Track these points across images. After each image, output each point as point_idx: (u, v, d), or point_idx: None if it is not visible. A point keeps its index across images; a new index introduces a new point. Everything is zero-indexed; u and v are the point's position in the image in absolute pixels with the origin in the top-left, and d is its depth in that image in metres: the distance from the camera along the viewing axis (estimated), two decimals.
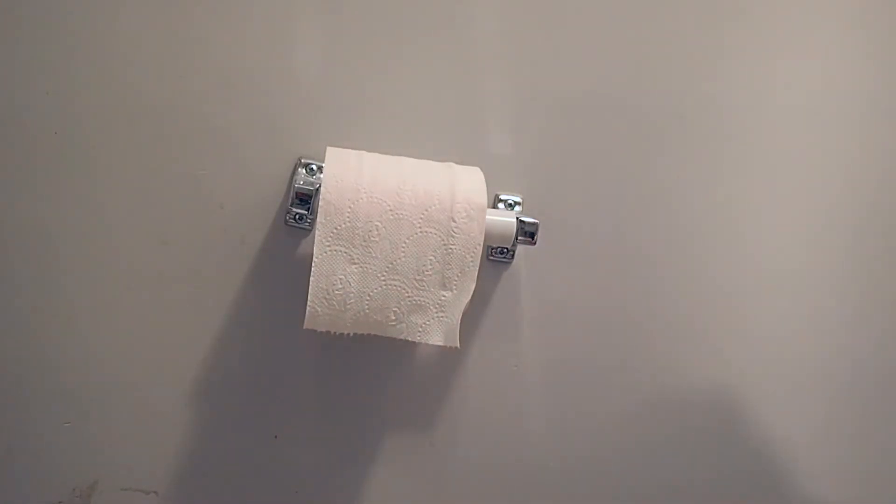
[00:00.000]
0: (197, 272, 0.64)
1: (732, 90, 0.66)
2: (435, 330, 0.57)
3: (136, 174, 0.62)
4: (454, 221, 0.56)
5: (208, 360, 0.65)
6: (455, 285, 0.57)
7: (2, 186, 0.61)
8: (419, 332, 0.57)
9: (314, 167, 0.62)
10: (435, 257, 0.56)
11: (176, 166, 0.62)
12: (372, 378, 0.67)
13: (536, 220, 0.61)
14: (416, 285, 0.56)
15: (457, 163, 0.61)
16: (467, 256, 0.57)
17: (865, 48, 0.67)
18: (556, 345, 0.68)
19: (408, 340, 0.59)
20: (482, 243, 0.57)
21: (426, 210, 0.56)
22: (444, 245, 0.56)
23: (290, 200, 0.61)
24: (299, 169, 0.62)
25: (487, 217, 0.59)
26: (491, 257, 0.66)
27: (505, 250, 0.65)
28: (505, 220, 0.60)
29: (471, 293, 0.58)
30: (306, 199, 0.60)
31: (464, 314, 0.61)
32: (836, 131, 0.68)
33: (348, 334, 0.59)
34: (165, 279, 0.63)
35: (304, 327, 0.56)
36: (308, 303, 0.56)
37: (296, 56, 0.62)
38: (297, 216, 0.62)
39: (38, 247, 0.62)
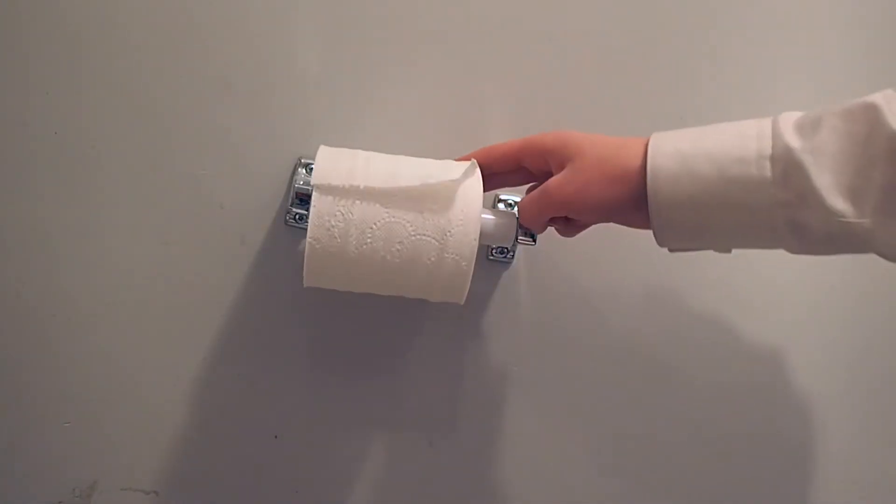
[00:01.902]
0: (197, 272, 0.64)
1: (733, 91, 0.66)
2: (445, 175, 0.55)
3: (136, 174, 0.62)
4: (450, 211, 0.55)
5: (208, 360, 0.65)
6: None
7: (2, 186, 0.61)
8: (432, 177, 0.55)
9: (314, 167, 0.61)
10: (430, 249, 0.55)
11: (176, 166, 0.62)
12: (372, 378, 0.67)
13: None
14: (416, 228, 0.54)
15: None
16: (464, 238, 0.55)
17: (866, 50, 0.67)
18: (556, 345, 0.68)
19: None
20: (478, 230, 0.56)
21: (421, 202, 0.55)
22: (441, 239, 0.55)
23: (290, 200, 0.61)
24: (299, 169, 0.62)
25: (487, 217, 0.58)
26: (491, 257, 0.66)
27: (505, 250, 0.65)
28: (505, 220, 0.60)
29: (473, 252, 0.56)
30: (306, 199, 0.59)
31: (464, 314, 0.61)
32: None
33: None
34: (165, 279, 0.63)
35: (313, 181, 0.54)
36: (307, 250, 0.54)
37: (296, 56, 0.62)
38: (297, 216, 0.62)
39: (38, 247, 0.62)
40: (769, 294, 0.69)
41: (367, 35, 0.62)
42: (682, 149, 0.49)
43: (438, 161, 0.58)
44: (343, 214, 0.53)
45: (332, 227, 0.53)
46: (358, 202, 0.53)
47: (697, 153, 0.48)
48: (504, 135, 0.64)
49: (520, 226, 0.60)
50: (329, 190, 0.53)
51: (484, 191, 0.56)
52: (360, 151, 0.57)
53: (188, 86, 0.61)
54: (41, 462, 0.65)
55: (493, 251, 0.65)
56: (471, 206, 0.55)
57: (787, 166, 0.46)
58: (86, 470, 0.66)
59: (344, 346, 0.66)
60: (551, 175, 0.55)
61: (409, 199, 0.54)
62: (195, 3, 0.60)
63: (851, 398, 0.71)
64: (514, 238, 0.60)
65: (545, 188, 0.54)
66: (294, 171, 0.62)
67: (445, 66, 0.63)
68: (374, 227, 0.54)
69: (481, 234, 0.56)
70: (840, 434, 0.71)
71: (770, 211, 0.47)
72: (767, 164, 0.46)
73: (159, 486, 0.66)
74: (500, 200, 0.64)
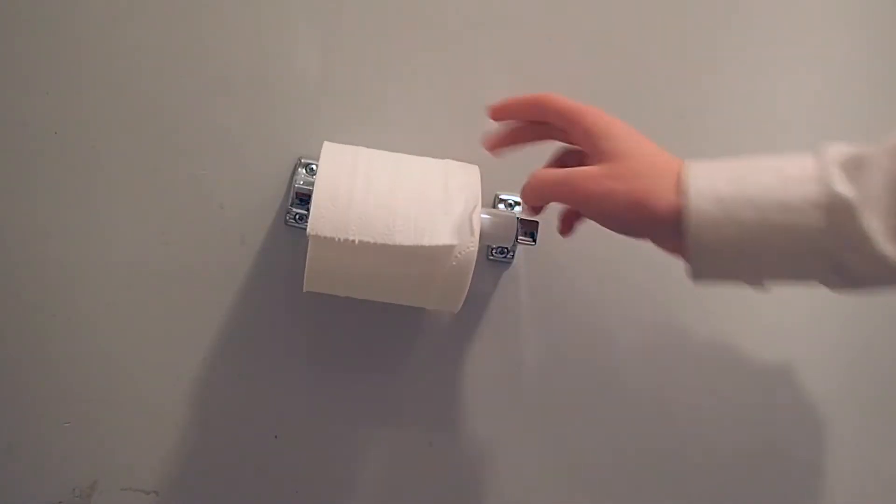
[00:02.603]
0: (197, 272, 0.64)
1: (733, 90, 0.66)
2: (443, 229, 0.55)
3: (136, 174, 0.62)
4: (447, 214, 0.56)
5: (208, 360, 0.65)
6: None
7: (2, 186, 0.61)
8: (427, 234, 0.55)
9: (314, 167, 0.62)
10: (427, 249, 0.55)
11: (176, 166, 0.62)
12: (372, 378, 0.67)
13: (537, 220, 0.61)
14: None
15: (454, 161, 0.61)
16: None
17: (867, 48, 0.67)
18: (556, 345, 0.68)
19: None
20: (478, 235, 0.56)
21: (420, 203, 0.55)
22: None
23: (290, 200, 0.61)
24: (299, 169, 0.62)
25: (486, 217, 0.58)
26: (491, 257, 0.66)
27: (505, 250, 0.65)
28: (505, 220, 0.60)
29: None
30: (306, 199, 0.59)
31: (464, 314, 0.61)
32: (836, 133, 0.68)
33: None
34: (165, 279, 0.63)
35: (309, 232, 0.54)
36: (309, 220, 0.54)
37: (296, 56, 0.62)
38: (297, 216, 0.62)
39: (38, 247, 0.62)
40: (770, 295, 0.69)
41: (368, 35, 0.62)
42: (722, 193, 0.47)
43: (441, 164, 0.59)
44: (338, 259, 0.55)
45: (328, 269, 0.56)
46: (352, 252, 0.54)
47: (738, 198, 0.46)
48: None
49: (520, 226, 0.60)
50: (324, 242, 0.54)
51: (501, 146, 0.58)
52: (359, 166, 0.57)
53: (188, 86, 0.61)
54: (41, 462, 0.65)
55: (493, 251, 0.65)
56: (465, 255, 0.55)
57: (834, 212, 0.44)
58: (86, 470, 0.66)
59: (344, 346, 0.66)
60: (575, 149, 0.55)
61: (404, 252, 0.54)
62: (195, 3, 0.60)
63: (851, 399, 0.71)
64: (514, 238, 0.60)
65: (570, 177, 0.52)
66: (294, 171, 0.62)
67: (445, 66, 0.63)
68: (368, 269, 0.55)
69: (481, 235, 0.56)
70: (840, 435, 0.71)
71: (815, 256, 0.45)
72: (812, 211, 0.45)
73: (159, 486, 0.66)
74: (500, 200, 0.64)
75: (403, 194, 0.55)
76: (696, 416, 0.70)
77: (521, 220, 0.61)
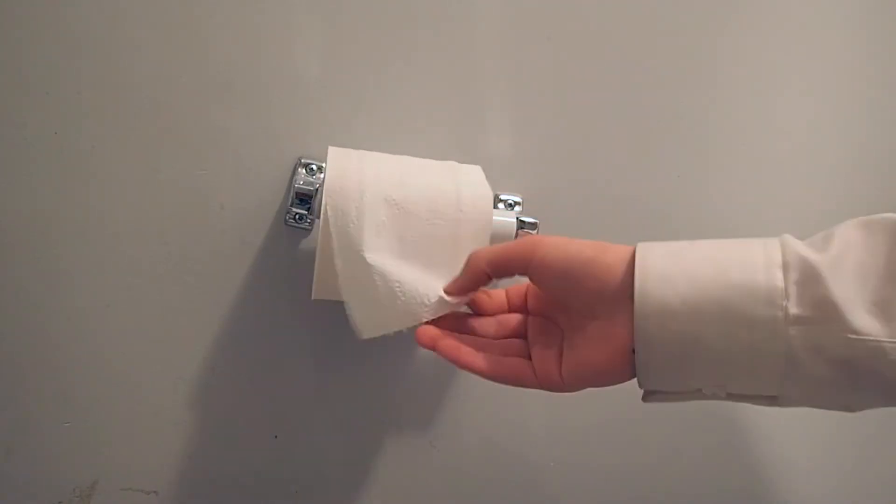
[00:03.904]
0: (197, 272, 0.64)
1: (733, 92, 0.66)
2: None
3: (136, 174, 0.62)
4: (462, 212, 0.56)
5: (208, 360, 0.65)
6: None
7: (2, 186, 0.61)
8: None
9: (314, 167, 0.62)
10: (443, 250, 0.55)
11: (176, 166, 0.62)
12: (372, 378, 0.67)
13: (536, 220, 0.61)
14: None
15: (457, 162, 0.61)
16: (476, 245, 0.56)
17: (868, 50, 0.67)
18: None
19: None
20: (490, 229, 0.57)
21: (432, 202, 0.55)
22: (453, 236, 0.55)
23: (290, 200, 0.61)
24: (299, 169, 0.62)
25: None
26: None
27: None
28: (505, 220, 0.60)
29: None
30: (306, 199, 0.60)
31: None
32: (836, 136, 0.68)
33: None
34: (165, 279, 0.63)
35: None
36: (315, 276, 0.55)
37: (296, 56, 0.62)
38: (297, 216, 0.62)
39: (38, 247, 0.62)
40: None
41: (367, 35, 0.62)
42: (673, 249, 0.44)
43: (447, 168, 0.59)
44: (341, 268, 0.55)
45: (332, 282, 0.55)
46: (356, 269, 0.54)
47: (692, 254, 0.43)
48: (504, 134, 0.64)
49: (520, 226, 0.60)
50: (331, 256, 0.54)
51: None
52: (365, 157, 0.57)
53: (188, 86, 0.61)
54: (41, 462, 0.65)
55: None
56: (482, 197, 0.56)
57: (803, 276, 0.40)
58: (86, 470, 0.66)
59: (344, 346, 0.66)
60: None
61: None
62: (195, 3, 0.60)
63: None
64: (514, 238, 0.60)
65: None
66: (294, 171, 0.62)
67: (445, 66, 0.63)
68: (372, 283, 0.55)
69: None
70: (840, 452, 0.72)
71: (781, 329, 0.39)
72: (779, 273, 0.40)
73: (159, 486, 0.66)
74: (500, 200, 0.64)
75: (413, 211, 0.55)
76: (698, 416, 0.70)
77: (521, 220, 0.61)
